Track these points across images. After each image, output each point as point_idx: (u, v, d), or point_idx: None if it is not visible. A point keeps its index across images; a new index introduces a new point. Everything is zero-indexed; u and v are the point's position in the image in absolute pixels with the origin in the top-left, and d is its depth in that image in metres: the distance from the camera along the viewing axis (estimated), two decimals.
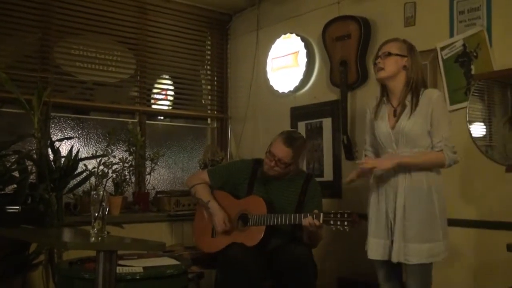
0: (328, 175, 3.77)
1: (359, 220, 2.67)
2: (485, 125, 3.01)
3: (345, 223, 2.66)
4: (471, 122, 2.97)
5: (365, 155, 2.74)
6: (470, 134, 2.95)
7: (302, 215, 2.82)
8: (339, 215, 2.69)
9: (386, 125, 2.55)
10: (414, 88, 2.51)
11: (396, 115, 2.53)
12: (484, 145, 2.95)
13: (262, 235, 2.92)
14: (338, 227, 2.68)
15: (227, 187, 3.23)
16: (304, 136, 3.88)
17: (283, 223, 2.89)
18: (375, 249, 2.54)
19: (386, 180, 2.54)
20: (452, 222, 2.86)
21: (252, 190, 3.13)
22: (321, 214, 2.75)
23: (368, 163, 2.53)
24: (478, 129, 2.99)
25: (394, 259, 2.46)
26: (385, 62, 2.53)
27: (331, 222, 2.70)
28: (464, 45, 3.01)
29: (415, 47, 2.59)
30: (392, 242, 2.48)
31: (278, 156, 2.99)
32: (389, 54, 2.53)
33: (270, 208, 2.98)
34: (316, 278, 2.95)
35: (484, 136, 2.99)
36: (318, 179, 3.42)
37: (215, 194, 3.22)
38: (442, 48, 3.10)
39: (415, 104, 2.48)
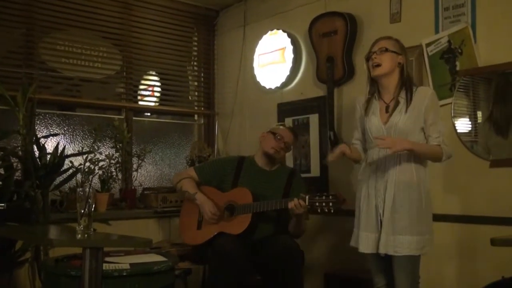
0: (315, 171, 3.79)
1: (343, 200, 2.73)
2: (470, 120, 3.04)
3: (330, 204, 2.73)
4: (456, 117, 3.00)
5: (353, 144, 2.77)
6: (455, 130, 2.98)
7: (288, 199, 2.88)
8: (324, 197, 2.76)
9: (378, 120, 2.58)
10: (408, 85, 2.57)
11: (389, 111, 2.57)
12: (469, 140, 2.97)
13: (249, 222, 2.95)
14: (324, 208, 2.74)
15: (213, 182, 3.26)
16: None
17: (269, 209, 2.95)
18: (365, 243, 2.56)
19: (376, 174, 2.57)
20: (437, 217, 2.89)
21: (237, 183, 3.18)
22: (307, 196, 2.80)
23: (386, 142, 2.44)
24: (463, 125, 3.02)
25: (382, 251, 2.49)
26: (381, 58, 2.55)
27: (317, 204, 2.77)
28: (449, 41, 3.04)
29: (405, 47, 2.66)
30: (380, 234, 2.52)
31: (287, 139, 3.22)
32: (386, 50, 2.56)
33: (256, 199, 3.02)
34: (302, 265, 2.99)
35: (469, 132, 3.01)
36: (305, 175, 3.46)
37: (202, 188, 3.25)
38: (428, 45, 3.12)
39: (409, 100, 2.53)
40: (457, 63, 3.00)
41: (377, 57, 2.56)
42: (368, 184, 2.60)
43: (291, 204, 2.84)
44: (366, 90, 2.69)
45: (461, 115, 3.01)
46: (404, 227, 2.47)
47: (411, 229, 2.47)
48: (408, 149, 2.46)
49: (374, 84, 2.64)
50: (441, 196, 3.01)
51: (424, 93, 2.55)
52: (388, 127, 2.54)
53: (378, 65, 2.56)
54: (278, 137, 3.21)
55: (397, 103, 2.55)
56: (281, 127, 3.32)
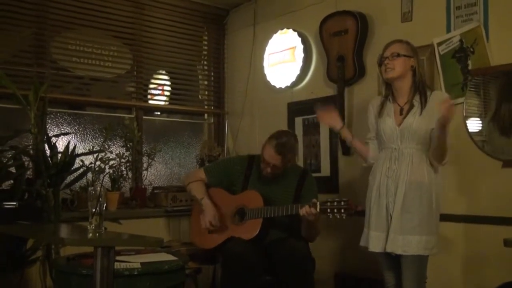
0: (325, 170, 3.78)
1: (356, 207, 2.73)
2: (481, 120, 3.02)
3: (342, 210, 2.72)
4: (467, 117, 2.98)
5: (366, 143, 2.80)
6: (467, 129, 2.96)
7: (299, 205, 2.85)
8: (335, 203, 2.74)
9: (393, 121, 2.63)
10: (422, 88, 2.63)
11: (403, 113, 2.63)
12: (481, 140, 2.95)
13: (259, 228, 2.94)
14: (335, 214, 2.73)
15: (223, 183, 3.24)
16: (301, 132, 3.93)
17: (280, 214, 2.92)
18: (375, 242, 2.58)
19: (387, 174, 2.59)
20: (447, 217, 2.88)
21: (247, 184, 3.16)
22: (318, 203, 2.79)
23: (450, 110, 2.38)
24: (474, 124, 3.00)
25: (388, 249, 2.51)
26: (394, 63, 2.61)
27: (328, 210, 2.75)
28: (461, 40, 3.02)
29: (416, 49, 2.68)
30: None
31: (272, 163, 3.04)
32: (398, 55, 2.61)
33: (267, 202, 3.00)
34: (313, 271, 2.96)
35: (480, 131, 2.99)
36: (315, 175, 3.44)
37: (211, 191, 3.23)
38: (439, 44, 3.10)
39: (424, 103, 2.58)
40: (469, 62, 2.98)
41: (389, 63, 2.62)
42: (380, 183, 2.61)
43: (302, 211, 2.82)
44: (383, 93, 2.76)
45: (472, 115, 2.99)
46: (413, 227, 2.49)
47: (421, 229, 2.49)
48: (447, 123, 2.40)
49: (389, 87, 2.70)
50: (452, 196, 3.00)
51: (439, 97, 2.59)
52: (402, 129, 2.60)
53: (391, 69, 2.62)
54: (264, 161, 3.07)
55: (411, 106, 2.62)
56: (269, 145, 3.03)
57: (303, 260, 2.87)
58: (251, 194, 3.07)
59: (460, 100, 2.99)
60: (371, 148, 2.78)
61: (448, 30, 3.09)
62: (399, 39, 2.70)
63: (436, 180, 2.58)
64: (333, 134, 3.72)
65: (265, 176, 3.11)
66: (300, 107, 3.99)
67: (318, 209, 2.77)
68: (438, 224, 2.58)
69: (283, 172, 3.13)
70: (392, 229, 2.51)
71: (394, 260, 2.57)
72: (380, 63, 2.67)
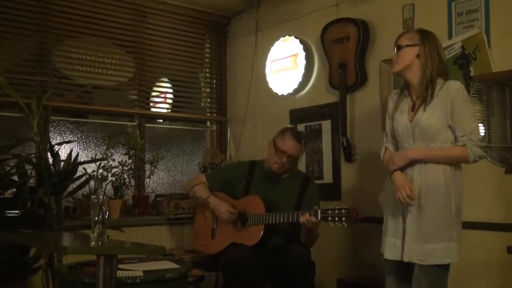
0: (327, 177, 3.77)
1: (357, 215, 2.69)
2: (484, 126, 3.01)
3: (343, 218, 2.70)
4: None
5: (386, 148, 2.61)
6: None
7: (300, 212, 2.85)
8: (336, 211, 2.73)
9: (405, 118, 2.46)
10: (430, 77, 2.41)
11: (415, 108, 2.45)
12: (484, 146, 2.94)
13: (261, 234, 2.94)
14: (336, 222, 2.71)
15: (225, 189, 3.25)
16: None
17: (281, 221, 2.92)
18: (392, 249, 2.43)
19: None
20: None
21: (249, 190, 3.16)
22: (319, 211, 2.78)
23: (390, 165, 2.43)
24: None
25: (405, 259, 2.36)
26: (397, 56, 2.48)
27: (329, 218, 2.74)
28: (462, 46, 3.02)
29: (432, 35, 2.47)
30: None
31: (290, 152, 3.04)
32: (400, 47, 2.48)
33: (268, 207, 3.00)
34: (314, 277, 2.96)
35: (483, 137, 2.98)
36: (317, 182, 3.44)
37: (214, 194, 3.24)
38: None
39: (430, 96, 2.39)
40: (471, 68, 2.98)
41: (394, 58, 2.51)
42: (394, 188, 2.43)
43: (302, 219, 2.81)
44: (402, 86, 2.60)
45: None
46: (431, 234, 2.32)
47: (437, 236, 2.32)
48: (413, 159, 2.38)
49: (406, 81, 2.53)
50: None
51: (449, 88, 2.39)
52: (413, 126, 2.42)
53: (395, 63, 2.50)
54: (280, 151, 3.05)
55: (423, 100, 2.42)
56: (285, 136, 3.07)
57: (304, 267, 2.87)
58: (253, 200, 3.07)
59: None
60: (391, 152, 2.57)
61: (450, 36, 3.09)
62: (407, 29, 2.58)
63: (455, 181, 2.38)
64: (336, 142, 3.72)
65: (273, 172, 3.10)
66: (302, 114, 3.99)
67: (319, 217, 2.76)
68: (460, 229, 2.39)
69: (285, 177, 3.14)
70: (408, 236, 2.36)
71: (406, 271, 2.40)
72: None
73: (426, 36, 2.46)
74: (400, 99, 2.54)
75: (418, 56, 2.44)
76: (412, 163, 2.41)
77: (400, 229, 2.42)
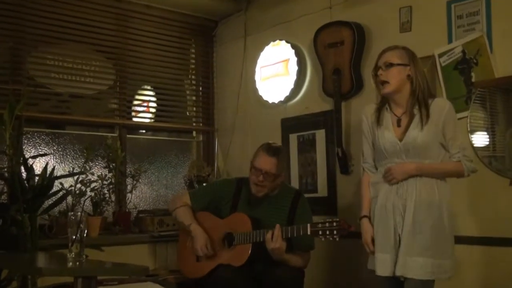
0: (322, 191, 3.78)
1: (348, 227, 2.71)
2: (488, 134, 3.03)
3: (334, 232, 2.70)
4: (472, 131, 3.00)
5: (363, 169, 2.73)
6: (472, 145, 2.97)
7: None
8: (327, 224, 2.73)
9: (392, 135, 2.57)
10: (422, 97, 2.55)
11: (401, 125, 2.57)
12: (487, 156, 2.97)
13: (249, 253, 2.93)
14: (327, 236, 2.72)
15: (210, 209, 3.25)
16: (296, 149, 3.94)
17: (261, 239, 2.91)
18: (382, 265, 2.52)
19: (392, 191, 2.55)
20: (455, 239, 2.87)
21: (236, 210, 3.14)
22: (308, 225, 2.78)
23: (388, 177, 2.56)
24: (480, 139, 3.01)
25: (398, 273, 2.45)
26: (387, 75, 2.54)
27: (320, 233, 2.74)
28: (463, 51, 3.05)
29: (415, 54, 2.62)
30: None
31: (265, 169, 3.02)
32: (391, 64, 2.54)
33: (256, 225, 2.99)
34: None
35: (487, 146, 3.01)
36: (311, 195, 3.44)
37: (198, 215, 3.23)
38: (440, 55, 3.13)
39: (425, 116, 2.52)
40: (473, 74, 3.01)
41: (383, 74, 2.56)
42: (385, 202, 2.56)
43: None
44: (377, 100, 2.71)
45: (478, 129, 3.01)
46: (426, 249, 2.43)
47: (428, 251, 2.44)
48: (413, 174, 2.50)
49: (385, 98, 2.65)
50: (458, 216, 2.99)
51: (442, 106, 2.55)
52: (405, 144, 2.53)
53: (386, 82, 2.56)
54: (255, 168, 3.03)
55: (411, 117, 2.55)
56: (259, 152, 3.07)
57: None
58: (239, 217, 3.06)
59: (464, 114, 3.00)
60: (369, 181, 2.68)
61: (450, 40, 3.12)
62: (393, 46, 2.62)
63: (446, 194, 2.53)
64: (330, 152, 3.73)
65: (255, 195, 3.09)
66: (294, 123, 4.00)
67: (308, 232, 2.76)
68: (453, 245, 2.53)
69: (274, 194, 3.13)
70: (402, 251, 2.46)
71: (398, 285, 2.51)
72: (375, 74, 2.60)
73: (413, 55, 2.59)
74: (380, 113, 2.63)
75: (408, 76, 2.55)
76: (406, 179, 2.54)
77: (391, 244, 2.51)
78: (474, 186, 2.95)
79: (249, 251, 2.93)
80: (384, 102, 2.65)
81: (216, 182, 3.90)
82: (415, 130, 2.52)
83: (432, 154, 2.53)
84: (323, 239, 2.74)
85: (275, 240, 2.82)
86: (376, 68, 2.61)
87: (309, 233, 2.77)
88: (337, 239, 2.71)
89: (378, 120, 2.62)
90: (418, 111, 2.54)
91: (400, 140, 2.54)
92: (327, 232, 2.72)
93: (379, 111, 2.64)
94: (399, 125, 2.58)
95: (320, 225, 2.75)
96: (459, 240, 2.93)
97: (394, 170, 2.54)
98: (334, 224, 2.71)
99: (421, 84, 2.55)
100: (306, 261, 3.09)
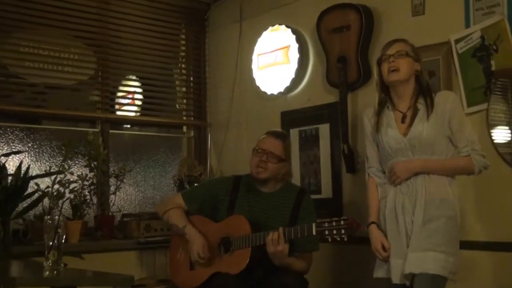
0: (326, 191, 3.78)
1: (357, 226, 2.72)
2: (509, 129, 3.04)
3: (342, 231, 2.70)
4: (492, 126, 3.00)
5: (368, 175, 2.82)
6: (492, 140, 2.98)
7: (293, 229, 2.85)
8: (334, 223, 2.73)
9: (396, 132, 2.67)
10: (427, 90, 2.67)
11: (405, 121, 2.67)
12: (509, 152, 2.97)
13: (248, 259, 2.93)
14: (335, 236, 2.71)
15: (205, 210, 3.25)
16: (298, 146, 3.94)
17: (262, 243, 2.91)
18: (397, 272, 2.57)
19: (401, 190, 2.63)
20: (469, 245, 2.88)
21: (233, 210, 3.15)
22: (313, 225, 2.78)
23: (393, 176, 2.64)
24: (501, 134, 3.02)
25: (407, 270, 2.50)
26: (400, 62, 2.64)
27: (326, 233, 2.74)
28: (482, 36, 3.05)
29: None
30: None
31: (270, 149, 3.08)
32: (406, 54, 2.65)
33: (255, 227, 2.99)
34: None
35: (509, 142, 3.02)
36: (315, 196, 3.44)
37: (192, 219, 3.23)
38: (457, 41, 3.13)
39: (430, 106, 2.62)
40: (492, 62, 3.01)
41: (395, 61, 2.65)
42: (395, 203, 2.64)
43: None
44: (376, 100, 2.77)
45: (498, 123, 3.02)
46: (438, 245, 2.49)
47: (440, 246, 2.50)
48: (418, 172, 2.58)
49: (387, 92, 2.74)
50: (473, 219, 3.01)
51: (446, 98, 2.66)
52: (410, 139, 2.62)
53: (396, 70, 2.64)
54: (258, 150, 3.12)
55: (415, 111, 2.65)
56: (264, 136, 3.20)
57: None
58: (236, 220, 3.07)
59: (483, 106, 3.01)
60: (377, 182, 2.78)
61: (467, 25, 3.12)
62: (403, 39, 2.75)
63: (455, 192, 2.62)
64: (335, 149, 3.73)
65: (257, 178, 3.11)
66: (295, 116, 4.01)
67: (314, 232, 2.76)
68: (458, 245, 2.61)
69: (276, 191, 3.15)
70: (412, 247, 2.53)
71: None
72: (380, 62, 2.70)
73: (419, 53, 2.73)
74: (380, 113, 2.73)
75: (416, 71, 2.69)
76: (414, 175, 2.61)
77: (405, 248, 2.58)
78: (493, 185, 2.96)
79: (248, 256, 2.94)
80: (384, 101, 2.74)
81: (211, 179, 3.95)
82: (420, 124, 2.62)
83: (440, 149, 2.61)
84: (329, 239, 2.73)
85: (275, 243, 2.82)
86: (384, 56, 2.68)
87: (314, 233, 2.77)
88: (345, 239, 2.70)
89: (379, 123, 2.72)
90: (423, 104, 2.64)
91: (405, 136, 2.63)
92: (334, 232, 2.71)
93: (378, 113, 2.73)
94: (403, 121, 2.67)
95: (326, 224, 2.75)
96: (474, 245, 2.95)
97: (397, 167, 2.63)
98: (342, 222, 2.71)
99: (426, 81, 2.70)
100: (309, 264, 3.10)
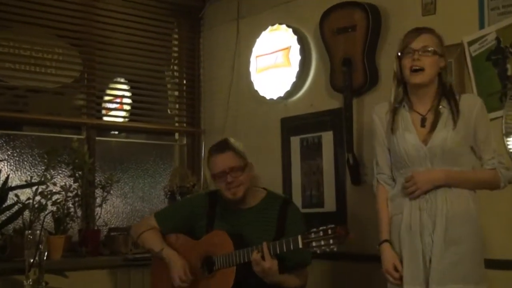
0: (329, 204, 3.79)
1: (346, 234, 2.64)
2: None
3: (330, 241, 2.64)
4: (508, 134, 3.01)
5: (378, 182, 2.72)
6: (508, 150, 2.98)
7: (278, 243, 2.81)
8: (321, 233, 2.67)
9: (415, 137, 2.55)
10: (451, 92, 2.59)
11: (425, 125, 2.57)
12: None
13: (233, 279, 2.93)
14: (323, 247, 2.66)
15: (184, 228, 3.22)
16: (299, 155, 3.94)
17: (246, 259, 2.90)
18: None
19: (418, 205, 2.53)
20: (489, 264, 2.89)
21: (213, 228, 3.14)
22: (299, 237, 2.73)
23: (410, 187, 2.54)
24: None
25: None
26: (425, 61, 2.53)
27: (313, 244, 2.69)
28: (497, 38, 3.06)
29: None
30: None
31: (227, 166, 3.02)
32: (434, 52, 2.54)
33: (238, 242, 2.98)
34: None
35: None
36: (316, 210, 3.45)
37: (169, 239, 3.21)
38: (470, 43, 3.15)
39: (456, 111, 2.53)
40: (508, 66, 3.02)
41: (420, 59, 2.52)
42: (410, 220, 2.53)
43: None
44: (391, 96, 2.68)
45: None
46: (464, 275, 2.42)
47: (469, 277, 2.43)
48: (441, 184, 2.49)
49: (404, 90, 2.64)
50: (498, 236, 3.00)
51: (472, 103, 2.58)
52: (432, 147, 2.52)
53: (420, 70, 2.53)
54: (217, 175, 3.05)
55: (437, 115, 2.55)
56: (210, 159, 3.11)
57: None
58: (217, 237, 3.04)
59: (498, 113, 3.02)
60: (387, 191, 2.69)
61: (482, 25, 3.14)
62: (429, 29, 2.62)
63: (478, 208, 2.53)
64: (339, 158, 3.75)
65: (233, 204, 3.09)
66: (296, 123, 4.02)
67: (300, 245, 2.73)
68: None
69: (257, 204, 3.13)
70: (434, 279, 2.43)
71: None
72: (401, 56, 2.57)
73: (444, 44, 2.63)
74: (396, 113, 2.63)
75: (441, 69, 2.59)
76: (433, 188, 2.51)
77: (421, 274, 2.47)
78: (510, 199, 2.98)
79: (234, 276, 2.93)
80: (402, 98, 2.64)
81: (185, 198, 3.88)
82: (444, 130, 2.52)
83: (464, 161, 2.53)
84: (318, 251, 2.68)
85: (260, 261, 2.78)
86: (405, 49, 2.56)
87: (301, 246, 2.72)
88: (335, 249, 2.64)
89: (394, 123, 2.61)
90: (446, 108, 2.55)
91: (425, 142, 2.53)
92: (322, 243, 2.65)
93: (393, 112, 2.63)
94: (423, 125, 2.57)
95: (313, 235, 2.69)
96: (494, 264, 2.94)
97: (417, 178, 2.51)
98: (329, 231, 2.65)
99: (450, 81, 2.62)
100: (305, 281, 3.07)
